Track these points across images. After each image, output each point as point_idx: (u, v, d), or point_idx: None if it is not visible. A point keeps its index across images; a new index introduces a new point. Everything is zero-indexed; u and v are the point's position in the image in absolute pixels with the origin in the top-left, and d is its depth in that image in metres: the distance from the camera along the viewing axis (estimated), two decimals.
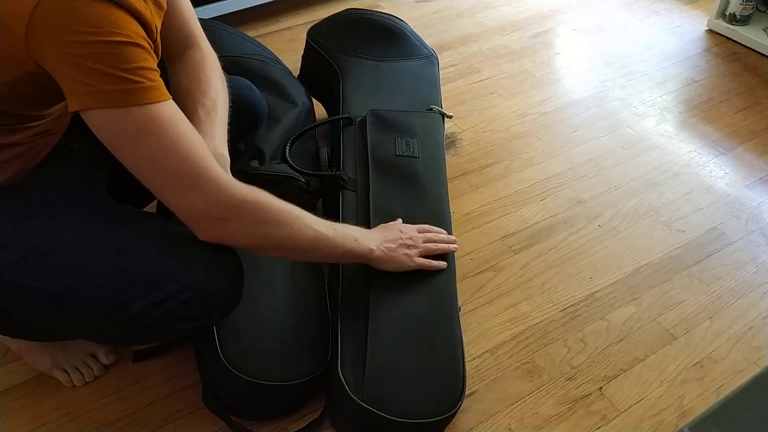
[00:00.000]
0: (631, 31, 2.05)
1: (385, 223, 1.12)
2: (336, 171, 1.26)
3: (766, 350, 1.15)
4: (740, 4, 1.91)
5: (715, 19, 2.00)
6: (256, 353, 0.98)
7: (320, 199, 1.30)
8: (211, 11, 1.83)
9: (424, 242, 1.10)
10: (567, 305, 1.22)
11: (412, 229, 1.11)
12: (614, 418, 1.05)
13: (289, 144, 1.29)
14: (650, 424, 1.04)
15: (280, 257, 1.05)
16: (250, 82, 1.19)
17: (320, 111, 1.56)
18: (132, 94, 0.74)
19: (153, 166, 0.79)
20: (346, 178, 1.23)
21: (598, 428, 1.04)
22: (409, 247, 1.07)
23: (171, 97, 0.79)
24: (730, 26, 1.96)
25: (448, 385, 0.98)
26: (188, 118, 0.83)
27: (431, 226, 1.14)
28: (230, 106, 1.02)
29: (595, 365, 1.13)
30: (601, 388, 1.09)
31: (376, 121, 1.34)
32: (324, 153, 1.33)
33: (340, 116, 1.37)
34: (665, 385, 1.10)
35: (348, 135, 1.34)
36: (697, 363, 1.13)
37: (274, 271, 1.09)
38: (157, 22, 0.82)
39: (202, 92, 0.97)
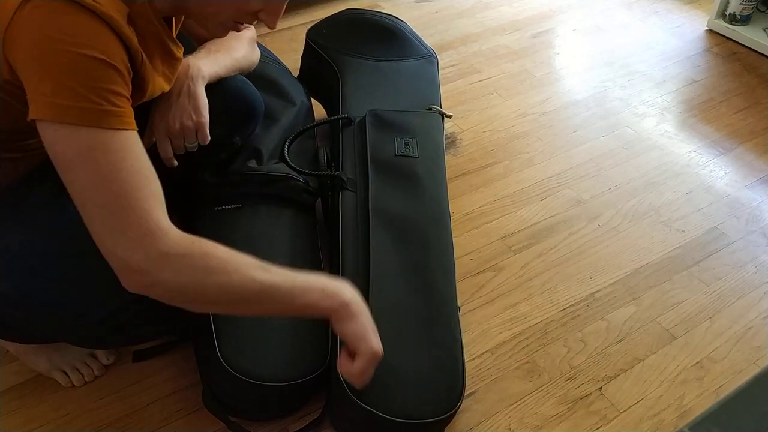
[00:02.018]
0: (631, 31, 2.05)
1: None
2: (335, 171, 1.26)
3: (766, 350, 1.15)
4: (740, 4, 1.91)
5: (715, 19, 2.00)
6: (255, 353, 0.98)
7: (319, 199, 1.30)
8: None
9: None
10: (567, 305, 1.22)
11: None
12: (614, 418, 1.05)
13: (287, 143, 1.29)
14: (650, 424, 1.04)
15: (222, 312, 0.95)
16: (244, 77, 1.17)
17: (320, 111, 1.56)
18: (86, 114, 0.69)
19: (84, 196, 0.72)
20: (345, 179, 1.23)
21: (598, 428, 1.04)
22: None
23: (135, 129, 0.73)
24: (730, 26, 1.96)
25: (447, 385, 0.98)
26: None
27: None
28: (225, 100, 1.03)
29: (595, 365, 1.12)
30: (601, 388, 1.09)
31: (376, 121, 1.34)
32: (323, 153, 1.33)
33: (339, 116, 1.37)
34: (665, 385, 1.10)
35: (347, 135, 1.34)
36: (697, 363, 1.13)
37: None
38: (146, 56, 0.77)
39: (214, 42, 0.98)
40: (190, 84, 0.99)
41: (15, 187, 0.90)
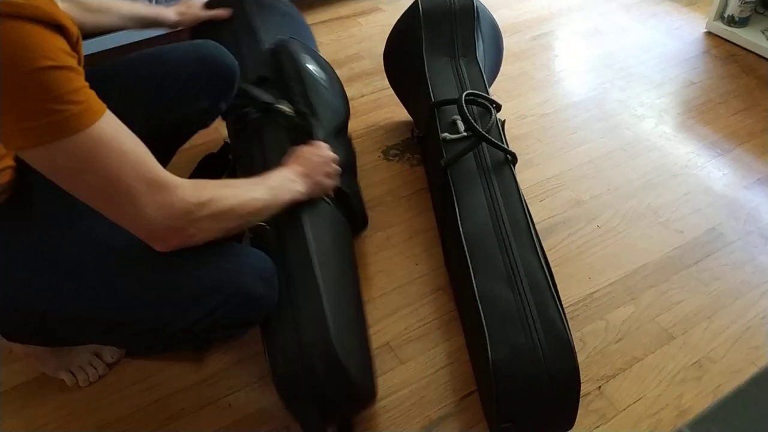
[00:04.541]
0: (630, 33, 2.06)
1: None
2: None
3: (765, 350, 1.15)
4: (738, 6, 1.92)
5: (713, 21, 2.01)
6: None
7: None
8: None
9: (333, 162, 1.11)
10: (566, 305, 1.23)
11: (322, 150, 1.10)
12: (613, 417, 1.06)
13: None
14: (649, 423, 1.05)
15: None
16: (216, 42, 1.19)
17: None
18: (57, 127, 0.67)
19: (89, 197, 0.74)
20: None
21: (597, 427, 1.04)
22: (327, 172, 1.08)
23: (104, 109, 0.72)
24: (729, 28, 1.97)
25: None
26: None
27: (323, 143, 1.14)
28: (206, 71, 1.09)
29: (594, 364, 1.13)
30: (600, 387, 1.10)
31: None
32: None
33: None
34: (664, 384, 1.10)
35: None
36: (695, 362, 1.14)
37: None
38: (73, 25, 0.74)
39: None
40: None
41: (46, 200, 0.87)
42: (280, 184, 0.99)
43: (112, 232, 0.79)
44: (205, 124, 1.21)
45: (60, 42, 0.68)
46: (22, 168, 0.85)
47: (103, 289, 0.84)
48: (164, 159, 1.24)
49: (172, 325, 0.86)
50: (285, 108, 1.19)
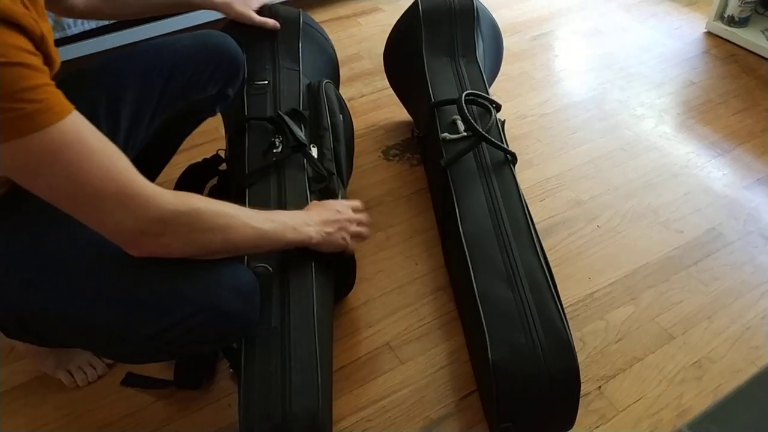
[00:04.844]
0: (629, 33, 2.06)
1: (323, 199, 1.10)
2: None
3: (765, 350, 1.15)
4: (738, 6, 1.92)
5: (713, 21, 2.01)
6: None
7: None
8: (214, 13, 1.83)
9: (357, 223, 1.08)
10: (566, 305, 1.23)
11: (348, 209, 1.07)
12: (613, 417, 1.06)
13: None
14: (649, 423, 1.05)
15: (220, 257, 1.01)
16: (221, 32, 1.19)
17: None
18: (12, 126, 0.65)
19: (68, 196, 0.71)
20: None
21: (597, 427, 1.04)
22: (346, 230, 1.04)
23: (72, 109, 0.70)
24: (729, 28, 1.97)
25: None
26: None
27: (359, 202, 1.12)
28: (213, 59, 1.09)
29: (594, 364, 1.13)
30: (600, 387, 1.10)
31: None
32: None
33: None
34: (664, 384, 1.10)
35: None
36: (695, 362, 1.14)
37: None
38: (43, 27, 0.71)
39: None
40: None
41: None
42: (287, 221, 0.95)
43: (93, 232, 0.77)
44: (213, 112, 1.21)
45: (16, 39, 0.66)
46: None
47: (75, 286, 0.82)
48: (173, 146, 1.26)
49: (138, 333, 0.82)
50: (315, 156, 1.18)
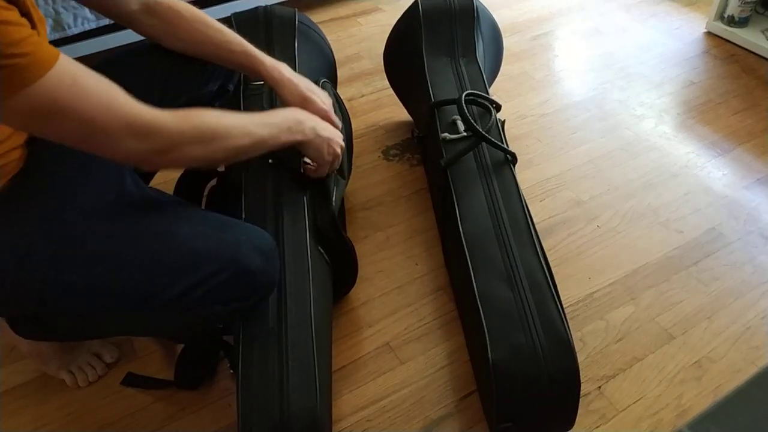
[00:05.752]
0: (629, 33, 2.06)
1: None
2: None
3: (765, 350, 1.15)
4: (738, 6, 1.92)
5: (713, 21, 2.01)
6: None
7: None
8: (214, 13, 1.83)
9: (340, 149, 1.08)
10: (566, 305, 1.23)
11: (338, 134, 1.08)
12: (613, 417, 1.06)
13: None
14: (649, 423, 1.05)
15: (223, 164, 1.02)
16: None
17: None
18: (9, 81, 0.66)
19: (81, 136, 0.75)
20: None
21: (597, 427, 1.04)
22: (332, 146, 1.05)
23: (59, 53, 0.71)
24: (729, 28, 1.97)
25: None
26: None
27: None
28: None
29: (594, 364, 1.13)
30: (600, 387, 1.10)
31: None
32: None
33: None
34: (664, 384, 1.10)
35: None
36: (695, 362, 1.14)
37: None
38: None
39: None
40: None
41: (49, 176, 0.88)
42: (281, 124, 0.98)
43: (106, 203, 0.82)
44: (214, 107, 1.20)
45: None
46: (33, 144, 0.87)
47: (99, 255, 0.84)
48: None
49: (164, 293, 0.85)
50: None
